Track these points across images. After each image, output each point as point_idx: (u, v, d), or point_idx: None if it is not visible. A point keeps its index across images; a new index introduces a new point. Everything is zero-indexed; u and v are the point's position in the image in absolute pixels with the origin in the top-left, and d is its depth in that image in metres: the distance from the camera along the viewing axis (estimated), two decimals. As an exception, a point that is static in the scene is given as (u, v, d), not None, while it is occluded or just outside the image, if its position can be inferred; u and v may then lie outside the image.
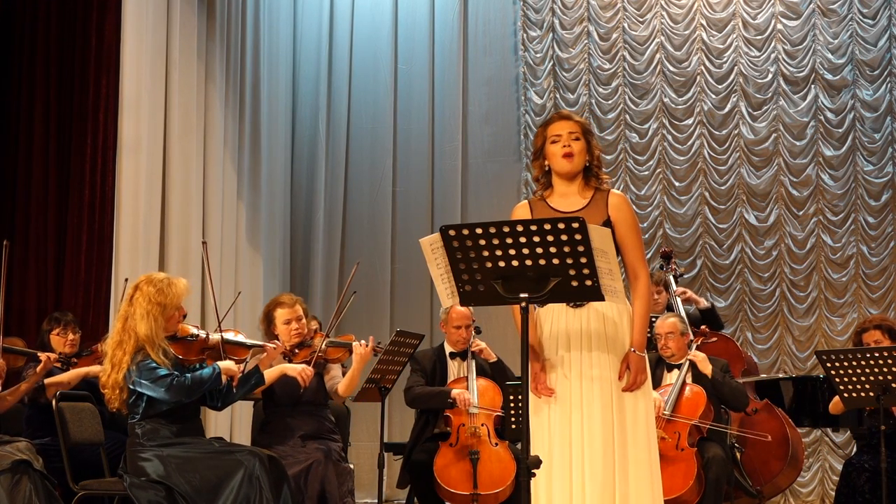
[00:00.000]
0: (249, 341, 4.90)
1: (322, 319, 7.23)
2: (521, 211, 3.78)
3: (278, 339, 5.24)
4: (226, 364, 4.57)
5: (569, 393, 3.55)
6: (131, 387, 4.35)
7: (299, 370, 4.95)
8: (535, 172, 3.80)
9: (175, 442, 4.38)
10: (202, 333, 4.66)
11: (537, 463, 3.20)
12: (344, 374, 5.29)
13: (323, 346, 5.15)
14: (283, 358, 5.08)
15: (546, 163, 3.73)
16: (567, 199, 3.72)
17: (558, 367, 3.59)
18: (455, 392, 5.56)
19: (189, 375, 4.42)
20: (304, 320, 5.28)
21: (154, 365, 4.34)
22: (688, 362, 5.64)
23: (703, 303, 6.74)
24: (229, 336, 4.81)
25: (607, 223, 3.61)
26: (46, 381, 5.37)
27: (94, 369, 5.56)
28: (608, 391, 3.54)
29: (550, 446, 3.55)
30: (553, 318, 3.64)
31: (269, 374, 4.89)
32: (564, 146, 3.66)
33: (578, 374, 3.56)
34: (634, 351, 3.56)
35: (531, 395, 3.60)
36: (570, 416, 3.53)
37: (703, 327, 6.12)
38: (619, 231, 3.64)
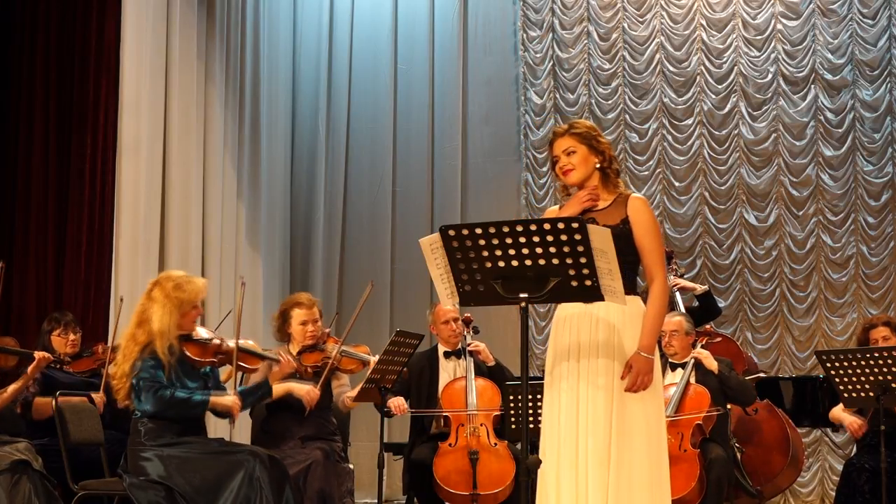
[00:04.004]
0: (263, 353, 4.91)
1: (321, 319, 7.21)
2: (552, 214, 3.75)
3: (290, 339, 5.27)
4: (223, 401, 4.57)
5: (576, 401, 3.54)
6: (133, 381, 4.38)
7: (306, 391, 4.96)
8: (559, 182, 3.84)
9: (176, 442, 4.38)
10: (216, 340, 4.68)
11: (536, 463, 3.20)
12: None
13: (336, 353, 5.15)
14: (295, 374, 5.08)
15: None
16: None
17: (568, 378, 3.57)
18: (390, 400, 5.55)
19: (176, 394, 4.41)
20: (319, 322, 5.32)
21: (150, 372, 4.36)
22: (692, 361, 5.63)
23: (699, 288, 6.71)
24: (246, 345, 4.81)
25: (625, 222, 3.63)
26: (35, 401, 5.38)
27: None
28: (610, 398, 3.53)
29: (559, 454, 3.54)
30: (569, 329, 3.62)
31: (276, 391, 4.93)
32: (562, 166, 3.72)
33: (586, 384, 3.55)
34: (640, 353, 3.53)
35: (546, 401, 3.62)
36: (577, 424, 3.53)
37: (707, 327, 6.11)
38: (637, 232, 3.64)
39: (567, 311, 3.64)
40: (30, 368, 5.25)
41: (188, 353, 4.53)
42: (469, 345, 5.81)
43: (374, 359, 5.16)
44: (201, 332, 4.67)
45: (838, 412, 5.53)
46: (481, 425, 5.50)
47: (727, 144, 8.88)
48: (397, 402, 5.53)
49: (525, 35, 9.20)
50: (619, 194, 3.72)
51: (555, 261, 3.22)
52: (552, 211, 3.81)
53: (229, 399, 4.59)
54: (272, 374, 4.83)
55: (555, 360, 3.63)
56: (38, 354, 5.30)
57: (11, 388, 5.30)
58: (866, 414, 5.37)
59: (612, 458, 3.48)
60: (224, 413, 4.68)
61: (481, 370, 5.78)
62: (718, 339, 6.13)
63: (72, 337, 5.74)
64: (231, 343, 4.68)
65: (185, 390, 4.47)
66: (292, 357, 5.07)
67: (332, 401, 5.33)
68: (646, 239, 3.64)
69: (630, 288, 3.62)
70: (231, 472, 4.29)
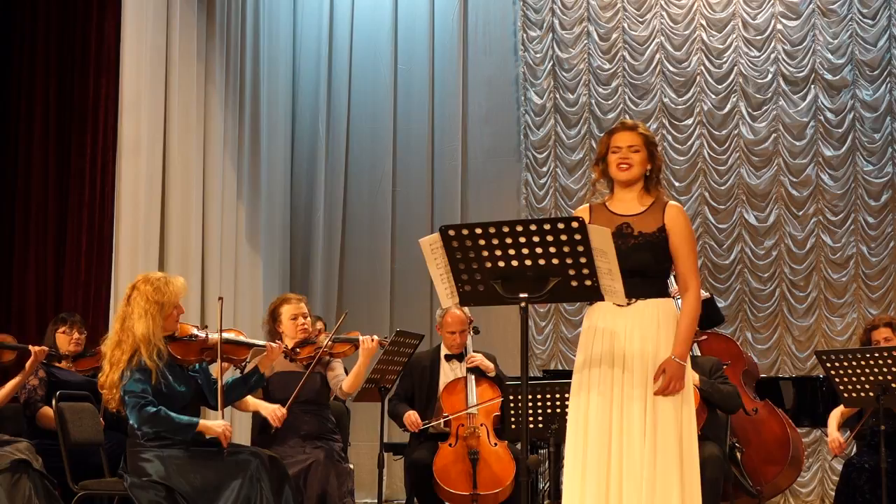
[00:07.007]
0: (250, 341, 4.87)
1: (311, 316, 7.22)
2: (582, 213, 3.77)
3: (282, 338, 5.25)
4: (214, 428, 4.42)
5: (609, 407, 3.57)
6: (121, 393, 4.35)
7: (271, 410, 4.94)
8: (595, 175, 3.85)
9: (176, 442, 4.37)
10: (202, 334, 4.62)
11: (537, 463, 3.21)
12: (347, 372, 5.31)
13: (328, 342, 5.15)
14: (285, 357, 5.08)
15: (607, 168, 3.78)
16: (625, 203, 3.76)
17: (600, 385, 3.60)
18: (405, 415, 5.60)
19: (161, 412, 4.33)
20: (309, 318, 5.33)
21: (136, 386, 4.30)
22: None
23: (703, 294, 6.67)
24: (230, 336, 4.76)
25: (662, 230, 3.66)
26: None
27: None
28: (643, 404, 3.55)
29: (585, 456, 3.56)
30: (602, 338, 3.64)
31: (246, 406, 5.06)
32: (624, 157, 3.72)
33: (620, 392, 3.58)
34: (673, 358, 3.56)
35: (573, 405, 3.64)
36: (610, 429, 3.55)
37: None
38: (673, 240, 3.67)
39: (601, 323, 3.65)
40: (27, 363, 5.26)
41: (173, 354, 4.46)
42: (468, 355, 5.78)
43: (363, 338, 5.14)
44: (187, 329, 4.59)
45: (832, 419, 5.50)
46: (481, 425, 5.50)
47: (727, 144, 8.88)
48: (412, 419, 5.56)
49: (525, 35, 9.20)
50: (657, 200, 3.74)
51: (555, 261, 3.23)
52: (581, 210, 3.81)
53: (220, 426, 4.43)
54: (261, 361, 4.81)
55: (585, 366, 3.65)
56: (34, 349, 5.30)
57: (10, 383, 5.31)
58: (864, 415, 5.37)
59: (644, 462, 3.49)
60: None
61: (481, 371, 5.78)
62: (704, 337, 6.08)
63: (76, 336, 5.75)
64: (215, 336, 4.58)
65: (163, 410, 4.37)
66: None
67: (330, 397, 5.33)
68: (682, 247, 3.68)
69: (664, 292, 3.69)
70: (232, 473, 4.28)
